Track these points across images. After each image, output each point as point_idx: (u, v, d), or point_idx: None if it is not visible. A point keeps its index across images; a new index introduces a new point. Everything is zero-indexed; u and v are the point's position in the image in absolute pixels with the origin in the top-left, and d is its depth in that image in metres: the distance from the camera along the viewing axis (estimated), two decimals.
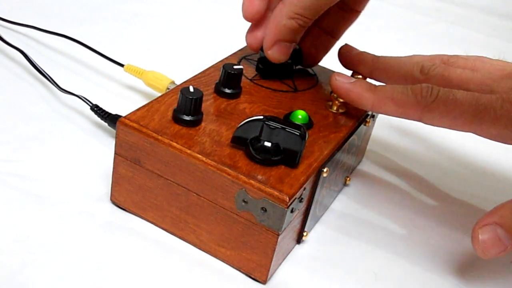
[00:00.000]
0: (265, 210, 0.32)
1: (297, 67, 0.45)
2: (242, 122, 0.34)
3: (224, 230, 0.35)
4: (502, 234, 0.35)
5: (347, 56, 0.45)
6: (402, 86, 0.39)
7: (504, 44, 0.83)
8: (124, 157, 0.36)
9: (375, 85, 0.40)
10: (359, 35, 0.76)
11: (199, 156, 0.34)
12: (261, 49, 0.42)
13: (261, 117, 0.34)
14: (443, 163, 0.52)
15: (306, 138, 0.34)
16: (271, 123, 0.33)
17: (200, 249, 0.36)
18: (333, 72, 0.47)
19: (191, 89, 0.36)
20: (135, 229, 0.37)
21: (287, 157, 0.34)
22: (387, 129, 0.55)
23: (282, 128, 0.33)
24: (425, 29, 0.85)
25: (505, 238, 0.35)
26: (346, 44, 0.45)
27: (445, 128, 0.39)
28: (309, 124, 0.39)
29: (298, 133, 0.33)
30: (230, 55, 0.46)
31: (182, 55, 0.62)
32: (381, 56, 0.44)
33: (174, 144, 0.34)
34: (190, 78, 0.41)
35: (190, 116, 0.36)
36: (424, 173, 0.50)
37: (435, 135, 0.56)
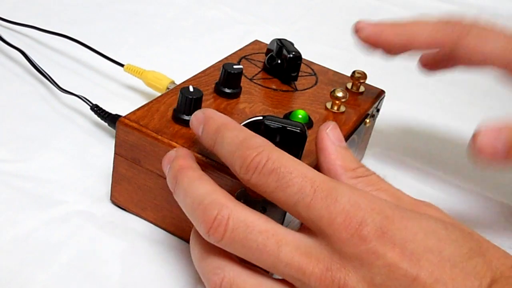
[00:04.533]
0: (265, 210, 0.32)
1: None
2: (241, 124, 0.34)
3: None
4: (502, 138, 0.33)
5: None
6: (435, 22, 0.40)
7: None
8: (124, 157, 0.36)
9: (403, 24, 0.40)
10: None
11: (199, 155, 0.34)
12: (266, 51, 0.42)
13: (260, 117, 0.33)
14: (444, 162, 0.52)
15: (307, 135, 0.34)
16: (271, 123, 0.33)
17: None
18: (332, 70, 0.47)
19: (191, 88, 0.36)
20: (135, 229, 0.37)
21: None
22: (387, 128, 0.55)
23: (283, 127, 0.33)
24: None
25: (503, 145, 0.33)
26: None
27: (474, 65, 0.39)
28: (309, 124, 0.39)
29: (298, 130, 0.33)
30: (230, 55, 0.46)
31: (182, 55, 0.62)
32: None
33: (174, 144, 0.34)
34: (190, 78, 0.41)
35: (190, 116, 0.36)
36: (425, 172, 0.50)
37: (435, 134, 0.56)
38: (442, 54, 0.41)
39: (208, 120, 0.31)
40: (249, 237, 0.27)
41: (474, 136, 0.34)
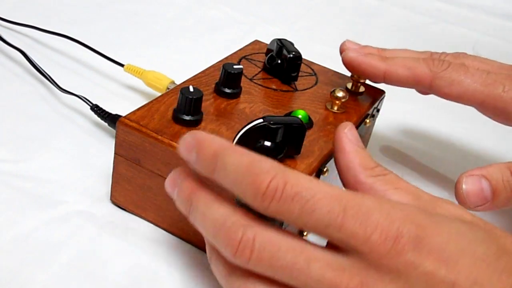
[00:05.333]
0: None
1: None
2: (241, 132, 0.33)
3: None
4: (486, 187, 0.35)
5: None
6: (413, 57, 0.41)
7: (504, 44, 0.83)
8: (124, 157, 0.36)
9: (386, 55, 0.41)
10: (359, 35, 0.77)
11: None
12: (266, 51, 0.42)
13: (260, 120, 0.33)
14: (444, 163, 0.52)
15: (306, 126, 0.34)
16: (273, 124, 0.33)
17: (200, 249, 0.36)
18: (332, 70, 0.48)
19: (191, 89, 0.36)
20: (135, 229, 0.37)
21: (290, 150, 0.34)
22: (387, 128, 0.55)
23: (285, 125, 0.33)
24: (425, 29, 0.85)
25: (488, 191, 0.35)
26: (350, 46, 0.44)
27: (451, 101, 0.40)
28: (309, 124, 0.39)
29: (300, 124, 0.34)
30: (230, 55, 0.46)
31: (182, 55, 0.62)
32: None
33: (174, 144, 0.34)
34: (190, 78, 0.41)
35: (190, 116, 0.36)
36: (425, 172, 0.50)
37: (435, 135, 0.56)
38: (423, 90, 0.43)
39: (200, 145, 0.28)
40: (277, 255, 0.26)
41: (458, 184, 0.36)
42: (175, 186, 0.30)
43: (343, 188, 0.31)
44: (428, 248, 0.25)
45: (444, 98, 0.41)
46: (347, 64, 0.43)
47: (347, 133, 0.32)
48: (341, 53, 0.43)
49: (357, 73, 0.43)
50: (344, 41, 0.43)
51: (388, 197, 0.30)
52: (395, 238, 0.25)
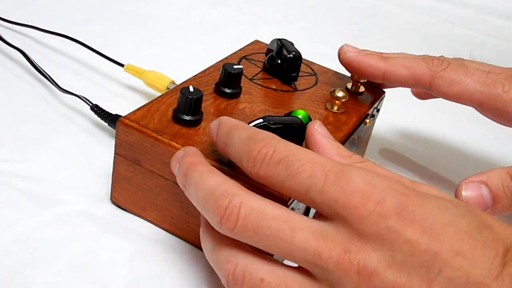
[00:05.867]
0: None
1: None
2: None
3: None
4: (485, 193, 0.35)
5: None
6: (413, 56, 0.41)
7: (504, 44, 0.83)
8: (124, 157, 0.36)
9: (385, 55, 0.41)
10: (359, 35, 0.77)
11: (192, 147, 0.33)
12: (266, 51, 0.42)
13: (261, 120, 0.33)
14: (443, 163, 0.52)
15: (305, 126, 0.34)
16: (273, 124, 0.33)
17: (200, 249, 0.36)
18: (332, 70, 0.48)
19: (191, 89, 0.36)
20: (135, 229, 0.37)
21: None
22: (387, 128, 0.55)
23: (285, 125, 0.33)
24: (425, 29, 0.85)
25: (488, 198, 0.35)
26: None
27: (451, 100, 0.40)
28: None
29: (300, 124, 0.34)
30: (230, 55, 0.46)
31: (182, 55, 0.62)
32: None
33: (174, 144, 0.34)
34: (190, 78, 0.41)
35: (190, 116, 0.36)
36: (424, 172, 0.50)
37: (435, 135, 0.56)
38: (422, 90, 0.43)
39: (220, 125, 0.32)
40: (261, 223, 0.27)
41: (457, 191, 0.36)
42: (178, 162, 0.32)
43: None
44: (412, 217, 0.25)
45: (444, 98, 0.41)
46: (346, 64, 0.43)
47: (318, 128, 0.33)
48: (339, 55, 0.43)
49: (357, 73, 0.43)
50: (342, 45, 0.43)
51: None
52: (377, 203, 0.26)
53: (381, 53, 0.43)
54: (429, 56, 0.41)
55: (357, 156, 0.31)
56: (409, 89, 0.63)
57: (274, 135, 0.29)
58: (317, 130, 0.33)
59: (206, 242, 0.30)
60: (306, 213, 0.37)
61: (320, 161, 0.27)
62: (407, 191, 0.27)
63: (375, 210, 0.25)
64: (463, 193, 0.36)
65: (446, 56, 0.42)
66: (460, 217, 0.26)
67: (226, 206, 0.27)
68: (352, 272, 0.25)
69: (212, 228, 0.29)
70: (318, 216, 0.28)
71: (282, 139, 0.29)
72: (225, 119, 0.32)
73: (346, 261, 0.26)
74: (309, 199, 0.27)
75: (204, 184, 0.29)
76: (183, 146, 0.34)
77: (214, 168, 0.30)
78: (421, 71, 0.40)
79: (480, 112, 0.41)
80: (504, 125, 0.41)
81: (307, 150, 0.28)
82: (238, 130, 0.30)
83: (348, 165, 0.28)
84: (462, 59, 0.42)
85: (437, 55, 0.43)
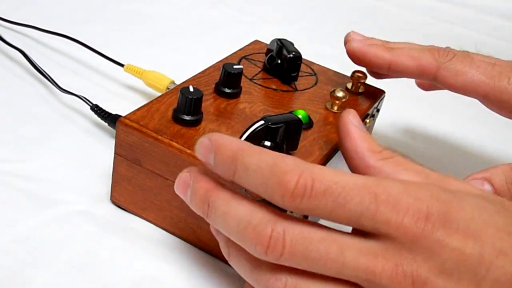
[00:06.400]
0: None
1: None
2: (244, 136, 0.33)
3: None
4: (489, 190, 0.35)
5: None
6: (419, 47, 0.41)
7: (504, 44, 0.83)
8: (124, 157, 0.36)
9: (391, 46, 0.41)
10: None
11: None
12: (266, 51, 0.42)
13: (262, 122, 0.33)
14: (444, 162, 0.52)
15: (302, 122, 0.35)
16: (274, 124, 0.33)
17: (200, 249, 0.36)
18: (332, 70, 0.48)
19: (191, 89, 0.36)
20: (135, 229, 0.37)
21: (287, 147, 0.34)
22: (387, 128, 0.55)
23: (286, 123, 0.33)
24: (425, 29, 0.85)
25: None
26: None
27: (456, 92, 0.40)
28: (309, 124, 0.39)
29: (298, 120, 0.34)
30: (230, 55, 0.46)
31: (182, 55, 0.62)
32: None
33: (174, 144, 0.34)
34: (190, 78, 0.41)
35: (190, 116, 0.36)
36: None
37: (435, 134, 0.56)
38: (428, 80, 0.43)
39: (218, 147, 0.28)
40: (309, 248, 0.26)
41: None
42: (186, 187, 0.30)
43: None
44: (456, 225, 0.26)
45: (449, 89, 0.41)
46: (351, 54, 0.42)
47: (352, 119, 0.32)
48: (345, 43, 0.43)
49: (362, 63, 0.42)
50: (349, 32, 0.43)
51: (398, 178, 0.30)
52: (426, 218, 0.26)
53: (386, 42, 0.43)
54: (435, 47, 0.41)
55: (387, 152, 0.31)
56: (409, 89, 0.63)
57: (296, 158, 0.27)
58: (351, 121, 0.32)
59: (240, 261, 0.29)
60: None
61: (362, 183, 0.26)
62: (447, 197, 0.27)
63: (425, 226, 0.26)
64: None
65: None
66: (496, 215, 0.27)
67: (269, 236, 0.26)
68: (407, 284, 0.26)
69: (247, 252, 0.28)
70: (358, 232, 0.27)
71: (309, 163, 0.27)
72: (219, 138, 0.28)
73: (399, 274, 0.26)
74: (360, 225, 0.27)
75: (235, 213, 0.27)
76: (183, 146, 0.34)
77: (237, 192, 0.29)
78: (426, 62, 0.40)
79: (485, 104, 0.41)
80: (508, 117, 0.41)
81: (343, 173, 0.27)
82: (250, 156, 0.27)
83: (387, 180, 0.27)
84: (468, 52, 0.42)
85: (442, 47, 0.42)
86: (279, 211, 0.27)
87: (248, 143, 0.28)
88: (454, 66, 0.40)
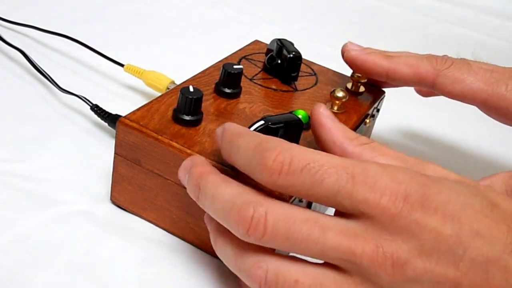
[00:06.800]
0: None
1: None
2: None
3: None
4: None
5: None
6: (416, 55, 0.41)
7: (504, 44, 0.83)
8: (124, 157, 0.36)
9: (389, 54, 0.42)
10: (359, 35, 0.77)
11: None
12: (266, 51, 0.42)
13: (262, 122, 0.33)
14: (443, 163, 0.52)
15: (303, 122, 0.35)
16: (274, 124, 0.33)
17: (200, 249, 0.36)
18: (332, 70, 0.48)
19: (191, 89, 0.36)
20: (135, 229, 0.37)
21: None
22: (387, 128, 0.55)
23: (286, 123, 0.34)
24: (425, 29, 0.85)
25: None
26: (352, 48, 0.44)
27: (454, 99, 0.41)
28: (309, 124, 0.39)
29: (298, 120, 0.34)
30: (230, 55, 0.46)
31: (182, 55, 0.62)
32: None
33: (174, 144, 0.34)
34: (190, 78, 0.41)
35: (190, 116, 0.36)
36: None
37: (435, 135, 0.56)
38: (426, 88, 0.43)
39: (224, 131, 0.31)
40: (292, 229, 0.27)
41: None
42: (186, 172, 0.31)
43: None
44: (434, 206, 0.27)
45: (447, 97, 0.41)
46: (349, 62, 0.43)
47: (323, 111, 0.33)
48: (342, 53, 0.43)
49: (360, 71, 0.43)
50: (346, 43, 0.43)
51: None
52: (404, 198, 0.26)
53: (384, 51, 0.43)
54: (433, 55, 0.41)
55: (363, 138, 0.32)
56: (409, 89, 0.63)
57: (282, 140, 0.28)
58: (323, 113, 0.33)
59: (225, 250, 0.30)
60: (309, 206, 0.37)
61: (341, 163, 0.27)
62: (425, 180, 0.28)
63: (403, 206, 0.26)
64: None
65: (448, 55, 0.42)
66: (473, 198, 0.28)
67: (251, 216, 0.27)
68: (387, 265, 0.26)
69: (232, 235, 0.28)
70: (340, 214, 0.28)
71: (293, 144, 0.28)
72: (228, 125, 0.31)
73: (380, 255, 0.26)
74: (337, 203, 0.27)
75: (222, 195, 0.28)
76: (183, 146, 0.34)
77: (228, 177, 0.30)
78: (424, 69, 0.40)
79: (483, 111, 0.41)
80: (507, 124, 0.41)
81: (323, 153, 0.28)
82: (242, 138, 0.29)
83: (367, 162, 0.28)
84: (466, 59, 0.42)
85: (440, 55, 0.43)
86: (265, 193, 0.28)
87: (247, 129, 0.30)
88: (452, 74, 0.40)
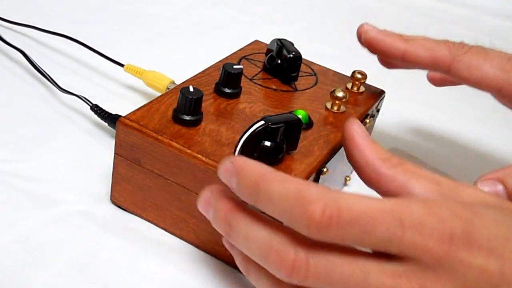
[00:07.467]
0: None
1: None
2: (245, 136, 0.33)
3: None
4: (501, 191, 0.35)
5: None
6: (434, 39, 0.41)
7: (504, 44, 0.83)
8: (124, 157, 0.36)
9: (405, 37, 0.41)
10: None
11: (199, 156, 0.34)
12: (266, 51, 0.42)
13: (262, 122, 0.33)
14: (444, 163, 0.52)
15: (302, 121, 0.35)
16: (275, 125, 0.33)
17: (200, 249, 0.36)
18: (332, 70, 0.48)
19: (191, 89, 0.36)
20: (135, 229, 0.37)
21: (287, 146, 0.34)
22: (387, 128, 0.55)
23: (286, 123, 0.33)
24: (425, 29, 0.85)
25: (503, 195, 0.35)
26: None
27: (469, 85, 0.40)
28: (309, 124, 0.39)
29: (298, 120, 0.34)
30: (230, 55, 0.46)
31: (182, 55, 0.62)
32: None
33: (174, 144, 0.34)
34: (190, 78, 0.41)
35: (190, 116, 0.36)
36: None
37: (435, 135, 0.56)
38: (441, 73, 0.42)
39: (240, 172, 0.27)
40: (333, 271, 0.26)
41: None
42: (209, 206, 0.29)
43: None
44: (478, 243, 0.26)
45: (462, 83, 0.41)
46: (367, 43, 0.42)
47: (357, 129, 0.32)
48: (359, 34, 0.43)
49: (377, 52, 0.42)
50: (362, 24, 0.43)
51: (411, 186, 0.30)
52: (450, 239, 0.26)
53: (401, 34, 0.43)
54: (450, 41, 0.41)
55: (397, 159, 0.31)
56: (409, 89, 0.63)
57: (322, 186, 0.26)
58: (357, 132, 0.32)
59: (261, 279, 0.29)
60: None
61: (388, 207, 0.26)
62: (468, 214, 0.27)
63: (449, 248, 0.26)
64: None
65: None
66: None
67: (293, 261, 0.26)
68: None
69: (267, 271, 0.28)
70: (380, 253, 0.27)
71: (334, 191, 0.26)
72: (241, 162, 0.28)
73: None
74: (386, 249, 0.27)
75: (256, 236, 0.27)
76: (183, 147, 0.34)
77: (259, 214, 0.28)
78: (441, 53, 0.40)
79: (497, 99, 0.41)
80: None
81: (367, 197, 0.27)
82: (274, 185, 0.26)
83: (408, 201, 0.27)
84: (482, 46, 0.42)
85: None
86: (298, 232, 0.27)
87: (271, 169, 0.27)
88: (468, 59, 0.40)
